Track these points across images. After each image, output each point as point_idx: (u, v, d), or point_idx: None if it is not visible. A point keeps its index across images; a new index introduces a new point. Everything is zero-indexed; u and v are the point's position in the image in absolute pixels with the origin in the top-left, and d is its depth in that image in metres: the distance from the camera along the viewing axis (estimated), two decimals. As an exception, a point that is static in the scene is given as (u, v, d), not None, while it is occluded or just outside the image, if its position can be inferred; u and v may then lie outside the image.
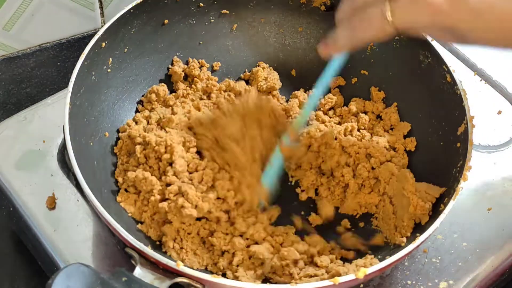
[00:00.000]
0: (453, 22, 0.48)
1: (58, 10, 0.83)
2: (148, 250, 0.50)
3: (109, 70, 0.67)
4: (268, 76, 0.75)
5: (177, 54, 0.74)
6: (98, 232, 0.64)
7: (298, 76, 0.77)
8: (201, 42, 0.75)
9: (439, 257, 0.64)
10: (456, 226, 0.67)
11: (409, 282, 0.62)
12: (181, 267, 0.50)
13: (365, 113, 0.72)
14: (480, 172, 0.71)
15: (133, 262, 0.52)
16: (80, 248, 0.62)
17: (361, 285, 0.61)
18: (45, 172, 0.68)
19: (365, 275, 0.50)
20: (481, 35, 0.49)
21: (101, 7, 0.87)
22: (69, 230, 0.64)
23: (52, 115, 0.73)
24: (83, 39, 0.88)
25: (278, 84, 0.75)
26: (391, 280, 0.63)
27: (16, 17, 0.80)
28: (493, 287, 0.65)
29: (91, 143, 0.63)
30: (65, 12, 0.84)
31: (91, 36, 0.65)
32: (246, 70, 0.77)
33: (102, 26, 0.65)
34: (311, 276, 0.56)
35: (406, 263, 0.64)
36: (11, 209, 0.66)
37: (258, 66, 0.76)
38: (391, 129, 0.71)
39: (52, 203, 0.65)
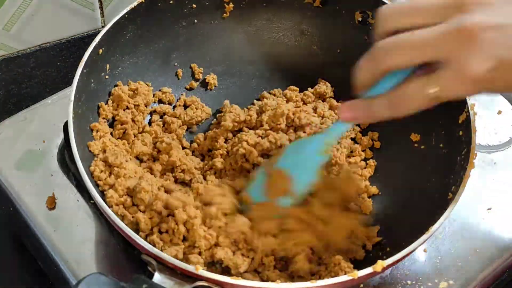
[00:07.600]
0: (498, 87, 0.47)
1: (58, 10, 0.83)
2: (166, 256, 0.50)
3: (107, 77, 0.67)
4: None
5: (174, 56, 0.74)
6: (98, 232, 0.64)
7: (296, 74, 0.77)
8: (197, 44, 0.75)
9: (439, 257, 0.64)
10: (456, 226, 0.67)
11: (409, 282, 0.62)
12: (200, 271, 0.49)
13: None
14: (480, 172, 0.71)
15: (149, 269, 0.51)
16: (80, 248, 0.62)
17: (361, 285, 0.61)
18: (45, 172, 0.68)
19: (383, 267, 0.50)
20: None
21: (101, 7, 0.87)
22: (69, 230, 0.64)
23: (52, 115, 0.73)
24: (83, 39, 0.88)
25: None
26: (391, 280, 0.62)
27: (16, 17, 0.80)
28: (493, 287, 0.65)
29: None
30: (65, 12, 0.84)
31: (91, 36, 0.65)
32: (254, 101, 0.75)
33: (102, 26, 0.65)
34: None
35: (406, 263, 0.64)
36: (11, 209, 0.66)
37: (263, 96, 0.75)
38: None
39: (52, 203, 0.65)
